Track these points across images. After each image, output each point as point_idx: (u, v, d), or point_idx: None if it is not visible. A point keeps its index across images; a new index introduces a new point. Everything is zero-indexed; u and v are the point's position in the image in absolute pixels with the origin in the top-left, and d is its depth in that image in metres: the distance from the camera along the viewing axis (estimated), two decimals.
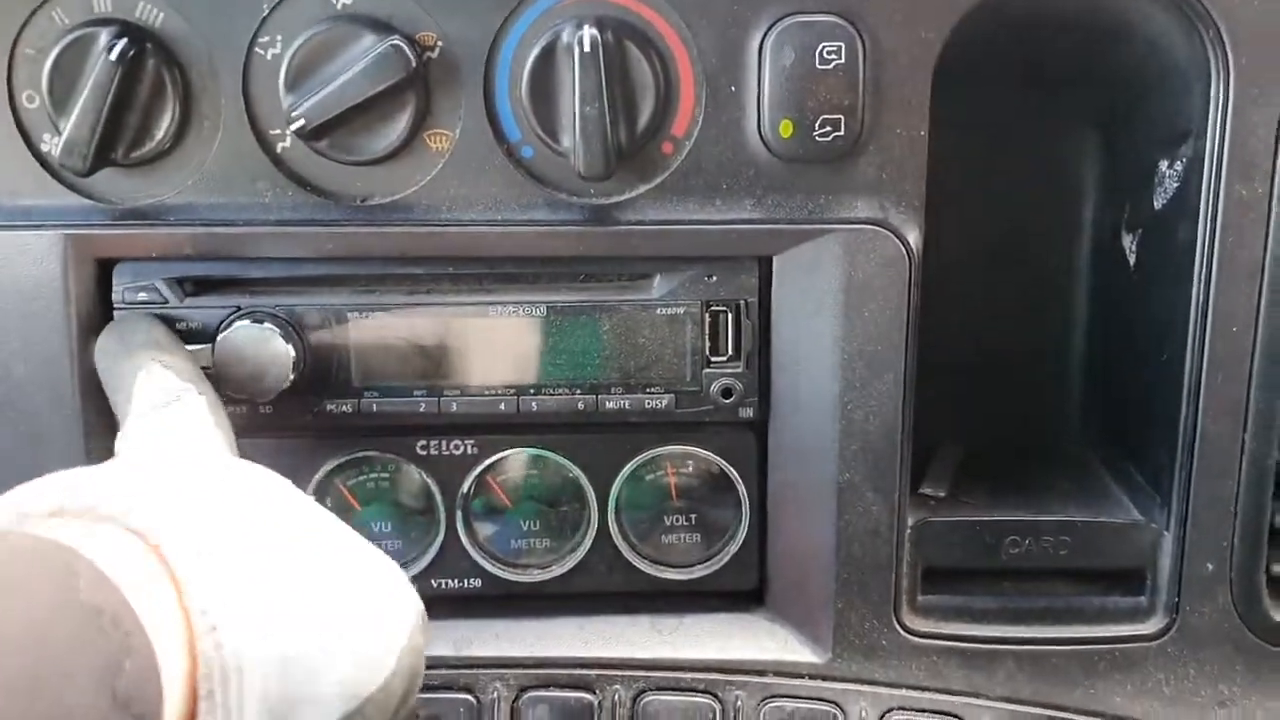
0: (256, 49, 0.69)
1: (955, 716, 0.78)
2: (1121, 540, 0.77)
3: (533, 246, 0.72)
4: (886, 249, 0.71)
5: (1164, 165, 0.76)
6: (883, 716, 0.78)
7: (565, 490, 0.80)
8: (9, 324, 0.70)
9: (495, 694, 0.77)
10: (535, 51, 0.69)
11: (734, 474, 0.79)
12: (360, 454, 0.78)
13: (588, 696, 0.78)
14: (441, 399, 0.75)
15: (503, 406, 0.76)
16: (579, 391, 0.76)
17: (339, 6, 0.68)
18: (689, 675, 0.78)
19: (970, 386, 0.88)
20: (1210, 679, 0.78)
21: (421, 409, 0.75)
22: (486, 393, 0.75)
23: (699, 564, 0.81)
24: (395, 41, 0.67)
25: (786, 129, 0.69)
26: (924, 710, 0.78)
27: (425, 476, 0.79)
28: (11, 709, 0.38)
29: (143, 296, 0.72)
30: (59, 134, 0.67)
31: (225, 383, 0.71)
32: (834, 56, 0.68)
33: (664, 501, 0.80)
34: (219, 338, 0.71)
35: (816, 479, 0.75)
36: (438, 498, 0.79)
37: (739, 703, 0.77)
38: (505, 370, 0.75)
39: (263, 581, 0.49)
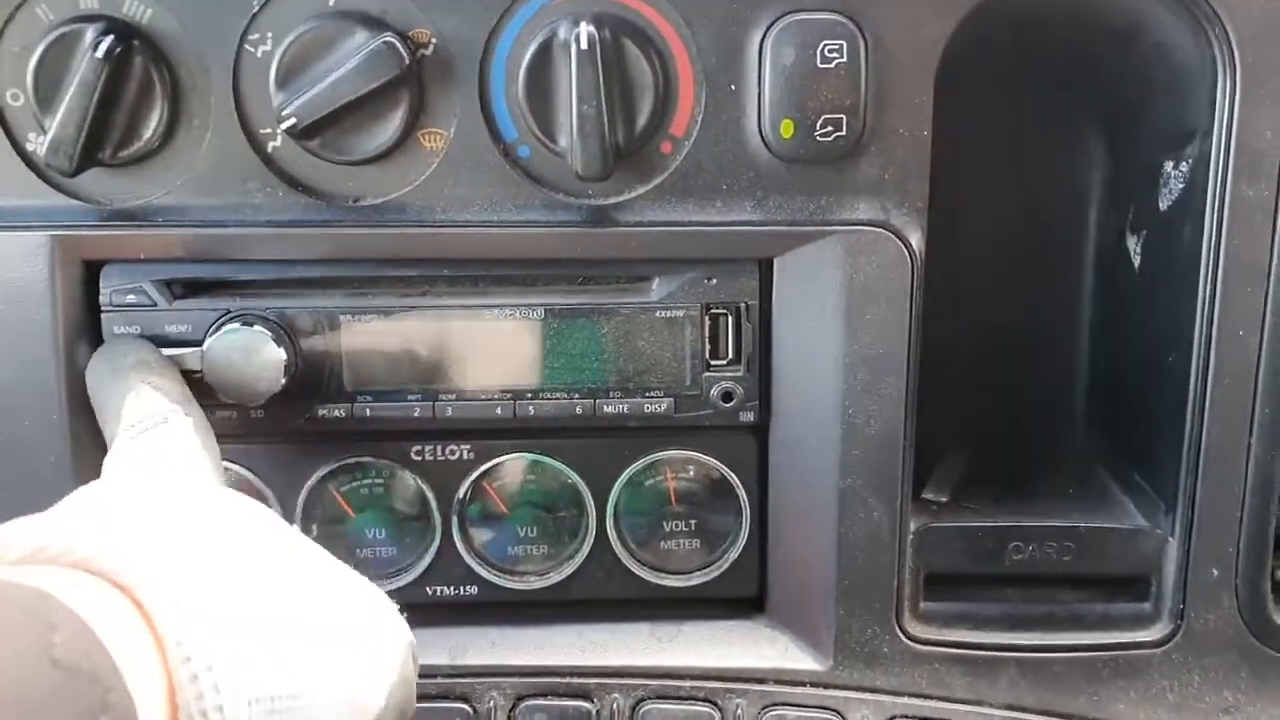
0: (246, 46, 0.68)
1: None
2: (1126, 546, 0.77)
3: (529, 248, 0.71)
4: (889, 251, 0.70)
5: (1169, 166, 0.75)
6: None
7: (563, 496, 0.79)
8: None
9: (492, 703, 0.77)
10: (532, 49, 0.68)
11: (734, 479, 0.78)
12: (354, 459, 0.77)
13: (586, 705, 0.77)
14: (436, 403, 0.74)
15: (499, 411, 0.75)
16: (577, 395, 0.75)
17: (331, 3, 0.67)
18: (689, 683, 0.77)
19: (973, 390, 0.87)
20: (1215, 686, 0.77)
21: (416, 413, 0.74)
22: (482, 397, 0.74)
23: (699, 570, 0.80)
24: (388, 38, 0.66)
25: (787, 129, 0.68)
26: (926, 718, 0.77)
27: (420, 482, 0.78)
28: None
29: (131, 299, 0.71)
30: (44, 133, 0.66)
31: (216, 387, 0.70)
32: (835, 55, 0.67)
33: (663, 507, 0.79)
34: (208, 341, 0.70)
35: (818, 484, 0.75)
36: (433, 504, 0.78)
37: (739, 711, 0.77)
38: (501, 374, 0.74)
39: (247, 627, 0.48)
